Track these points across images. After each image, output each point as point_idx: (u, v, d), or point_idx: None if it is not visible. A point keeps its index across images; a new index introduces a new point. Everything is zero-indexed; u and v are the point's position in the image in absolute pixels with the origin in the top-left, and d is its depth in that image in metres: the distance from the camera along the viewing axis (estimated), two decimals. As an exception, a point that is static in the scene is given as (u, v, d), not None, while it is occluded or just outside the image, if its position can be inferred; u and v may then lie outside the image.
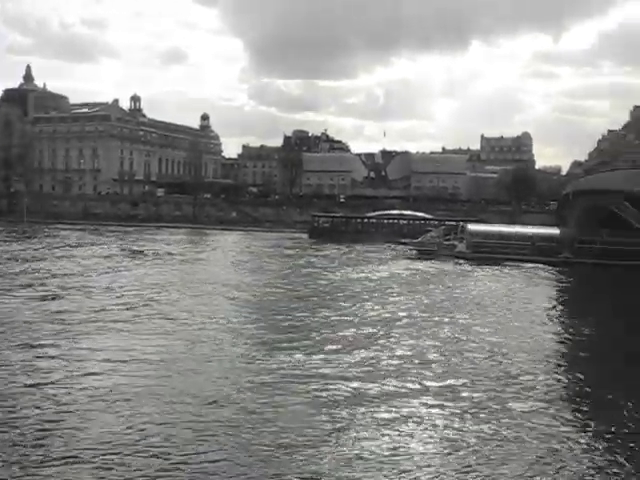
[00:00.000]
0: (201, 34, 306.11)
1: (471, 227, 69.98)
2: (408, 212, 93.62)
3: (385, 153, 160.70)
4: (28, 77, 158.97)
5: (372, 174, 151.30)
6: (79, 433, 15.72)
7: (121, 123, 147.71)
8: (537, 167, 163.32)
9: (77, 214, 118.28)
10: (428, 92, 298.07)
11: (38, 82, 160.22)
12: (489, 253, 63.63)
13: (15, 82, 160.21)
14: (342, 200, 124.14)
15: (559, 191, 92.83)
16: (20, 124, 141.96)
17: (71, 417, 16.72)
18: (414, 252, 68.13)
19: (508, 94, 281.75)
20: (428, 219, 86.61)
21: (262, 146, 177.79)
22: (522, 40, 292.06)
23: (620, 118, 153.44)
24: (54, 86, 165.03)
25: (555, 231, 68.71)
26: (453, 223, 74.48)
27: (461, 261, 61.55)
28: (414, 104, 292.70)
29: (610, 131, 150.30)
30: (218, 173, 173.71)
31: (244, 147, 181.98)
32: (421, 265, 57.94)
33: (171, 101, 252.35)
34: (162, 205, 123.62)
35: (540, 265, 58.13)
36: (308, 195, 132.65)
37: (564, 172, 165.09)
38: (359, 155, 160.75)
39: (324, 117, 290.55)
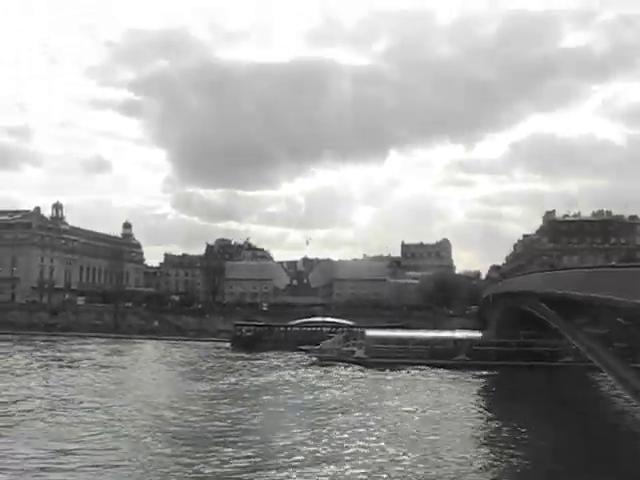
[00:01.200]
0: (125, 144, 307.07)
1: (369, 333, 71.65)
2: (330, 319, 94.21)
3: (307, 261, 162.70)
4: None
5: (294, 282, 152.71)
6: None
7: (42, 231, 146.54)
8: (457, 272, 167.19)
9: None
10: (349, 200, 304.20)
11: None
12: (387, 358, 65.19)
13: None
14: (265, 308, 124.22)
15: (479, 295, 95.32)
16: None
17: None
18: (314, 359, 69.40)
19: (426, 201, 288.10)
20: (350, 326, 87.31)
21: (184, 255, 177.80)
22: (437, 149, 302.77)
23: (534, 223, 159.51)
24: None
25: (452, 334, 71.39)
26: (354, 329, 75.98)
27: (357, 367, 62.91)
28: (336, 212, 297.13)
29: (525, 235, 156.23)
30: (140, 281, 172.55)
31: (166, 255, 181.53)
32: (311, 373, 59.81)
33: (94, 209, 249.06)
34: (82, 314, 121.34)
35: (438, 369, 60.13)
36: (231, 303, 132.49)
37: (483, 276, 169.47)
38: (281, 263, 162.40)
39: (246, 226, 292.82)
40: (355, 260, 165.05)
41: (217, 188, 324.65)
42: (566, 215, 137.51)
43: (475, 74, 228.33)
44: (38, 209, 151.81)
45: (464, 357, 65.93)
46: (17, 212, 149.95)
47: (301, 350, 73.49)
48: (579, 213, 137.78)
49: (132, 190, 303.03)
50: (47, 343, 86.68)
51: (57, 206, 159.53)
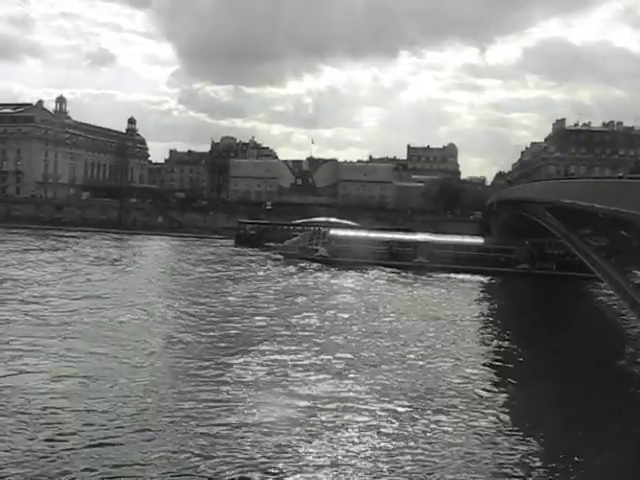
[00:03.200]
0: (130, 37, 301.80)
1: (332, 232, 73.67)
2: (334, 219, 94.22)
3: (312, 161, 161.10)
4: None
5: (299, 181, 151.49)
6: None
7: (46, 125, 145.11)
8: (463, 177, 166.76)
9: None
10: (356, 101, 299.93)
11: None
12: (348, 257, 66.81)
13: None
14: (269, 207, 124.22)
15: (484, 201, 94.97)
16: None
17: None
18: (279, 256, 71.82)
19: (435, 105, 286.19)
20: (353, 226, 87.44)
21: (190, 151, 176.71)
22: (448, 52, 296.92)
23: (543, 131, 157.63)
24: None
25: (413, 237, 73.16)
26: (321, 229, 77.54)
27: (316, 265, 64.98)
28: (342, 112, 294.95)
29: (533, 143, 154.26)
30: (145, 178, 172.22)
31: (172, 152, 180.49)
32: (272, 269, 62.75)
33: (98, 104, 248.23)
34: (87, 209, 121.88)
35: (395, 269, 62.26)
36: (235, 201, 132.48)
37: (489, 183, 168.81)
38: (286, 162, 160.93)
39: (252, 124, 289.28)
40: (361, 161, 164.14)
41: (224, 84, 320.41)
42: (576, 124, 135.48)
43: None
44: (41, 102, 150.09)
45: (422, 259, 67.01)
46: (20, 105, 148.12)
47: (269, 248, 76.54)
48: (589, 123, 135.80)
49: (137, 85, 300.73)
50: (74, 240, 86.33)
51: (60, 100, 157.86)
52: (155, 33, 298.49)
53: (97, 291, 41.56)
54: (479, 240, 72.53)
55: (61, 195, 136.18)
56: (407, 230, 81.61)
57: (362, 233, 74.92)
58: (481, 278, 60.32)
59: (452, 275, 60.82)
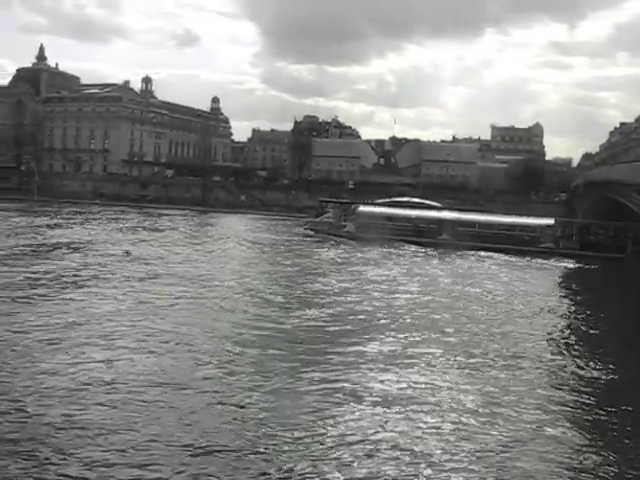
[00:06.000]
0: (214, 17, 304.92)
1: (361, 208, 74.59)
2: (417, 200, 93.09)
3: (395, 140, 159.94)
4: (41, 56, 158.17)
5: (381, 161, 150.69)
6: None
7: (132, 104, 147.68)
8: (548, 158, 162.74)
9: (86, 194, 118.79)
10: (439, 80, 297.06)
11: (51, 62, 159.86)
12: (374, 233, 66.32)
13: (28, 61, 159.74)
14: (351, 186, 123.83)
15: (569, 183, 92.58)
16: (32, 103, 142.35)
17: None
18: (309, 231, 73.47)
19: (520, 84, 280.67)
20: (436, 207, 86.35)
21: (272, 130, 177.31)
22: (535, 29, 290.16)
23: (633, 111, 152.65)
24: (66, 66, 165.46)
25: (437, 214, 72.87)
26: (353, 205, 78.50)
27: (344, 240, 66.07)
28: (425, 92, 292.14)
29: (622, 123, 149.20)
30: (227, 156, 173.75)
31: (254, 131, 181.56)
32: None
33: (182, 84, 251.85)
34: (171, 187, 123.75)
35: (419, 247, 62.57)
36: (317, 180, 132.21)
37: (575, 164, 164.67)
38: (369, 142, 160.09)
39: (334, 103, 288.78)
40: (444, 141, 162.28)
41: (306, 63, 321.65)
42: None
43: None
44: (127, 82, 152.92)
45: (446, 237, 66.77)
46: (107, 85, 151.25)
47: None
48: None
49: (221, 65, 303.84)
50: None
51: (146, 80, 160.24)
52: (238, 13, 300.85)
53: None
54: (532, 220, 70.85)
55: (146, 173, 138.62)
56: (486, 212, 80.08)
57: (390, 210, 74.80)
58: (505, 257, 59.44)
59: (475, 252, 60.57)
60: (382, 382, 19.14)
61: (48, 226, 64.18)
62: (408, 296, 34.60)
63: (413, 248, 61.88)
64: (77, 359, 19.61)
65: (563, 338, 27.40)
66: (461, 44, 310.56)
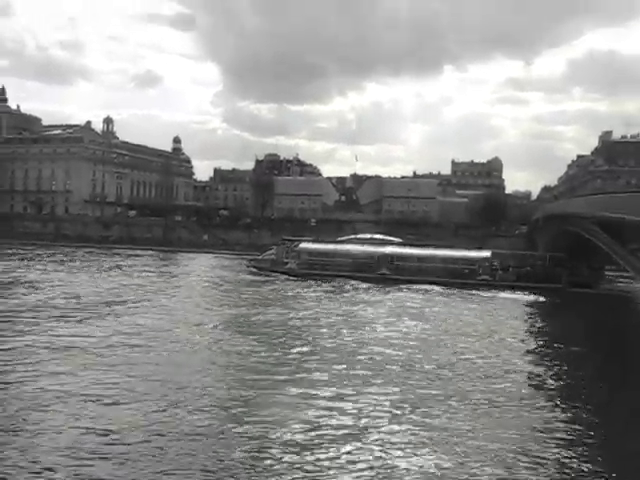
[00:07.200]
0: (176, 58, 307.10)
1: (302, 245, 75.46)
2: (379, 236, 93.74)
3: (356, 177, 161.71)
4: (2, 98, 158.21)
5: (343, 198, 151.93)
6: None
7: (94, 145, 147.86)
8: (508, 192, 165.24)
9: (49, 235, 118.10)
10: (400, 117, 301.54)
11: (12, 103, 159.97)
12: (315, 270, 68.96)
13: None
14: (313, 224, 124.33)
15: (529, 216, 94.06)
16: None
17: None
18: (253, 268, 74.28)
19: (479, 119, 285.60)
20: (398, 243, 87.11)
21: (234, 169, 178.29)
22: (493, 66, 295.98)
23: (589, 144, 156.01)
24: (29, 107, 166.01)
25: (376, 249, 73.06)
26: (294, 242, 78.23)
27: (284, 277, 66.38)
28: (386, 128, 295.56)
29: (579, 156, 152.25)
30: (190, 196, 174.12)
31: (216, 170, 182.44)
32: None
33: (144, 124, 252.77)
34: (133, 227, 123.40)
35: (359, 281, 63.04)
36: (279, 218, 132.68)
37: (534, 197, 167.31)
38: (330, 179, 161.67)
39: (296, 141, 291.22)
40: (405, 177, 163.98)
41: (267, 102, 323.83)
42: (624, 136, 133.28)
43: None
44: (89, 123, 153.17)
45: (384, 271, 68.06)
46: (69, 126, 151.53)
47: None
48: (638, 134, 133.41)
49: (182, 105, 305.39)
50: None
51: (108, 121, 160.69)
52: (199, 55, 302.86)
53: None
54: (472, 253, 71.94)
55: (108, 213, 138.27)
56: (448, 246, 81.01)
57: (328, 246, 75.74)
58: (438, 289, 60.07)
59: (408, 285, 60.98)
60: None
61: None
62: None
63: (353, 282, 62.34)
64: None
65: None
66: (420, 81, 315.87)
